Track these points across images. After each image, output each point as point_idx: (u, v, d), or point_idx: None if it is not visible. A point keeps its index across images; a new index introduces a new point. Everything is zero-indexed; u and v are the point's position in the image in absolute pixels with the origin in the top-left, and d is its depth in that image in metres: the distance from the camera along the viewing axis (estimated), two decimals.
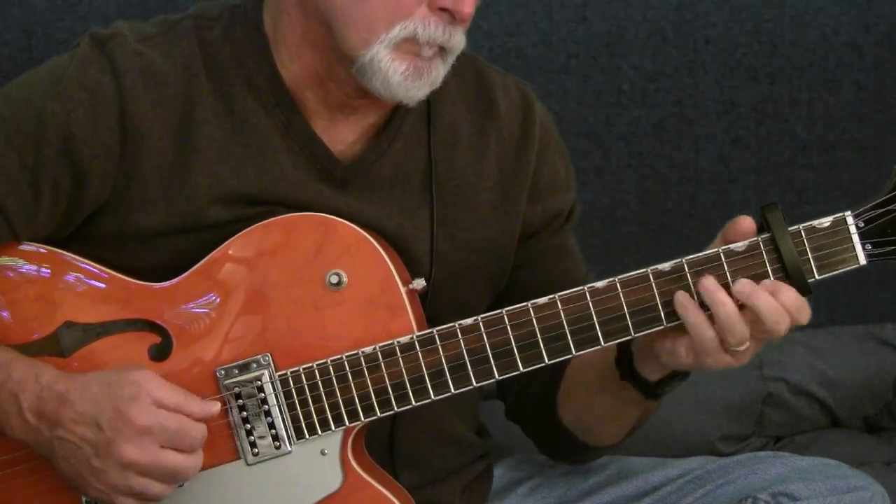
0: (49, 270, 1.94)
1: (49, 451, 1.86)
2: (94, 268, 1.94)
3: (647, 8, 3.17)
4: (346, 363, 1.90)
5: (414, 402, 1.90)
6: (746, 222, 1.85)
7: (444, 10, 1.87)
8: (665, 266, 1.86)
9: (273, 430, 1.92)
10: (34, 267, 1.94)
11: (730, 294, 1.82)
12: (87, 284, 1.94)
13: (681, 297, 1.84)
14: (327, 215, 1.93)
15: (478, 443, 2.17)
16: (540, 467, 2.22)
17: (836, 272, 1.86)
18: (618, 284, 1.87)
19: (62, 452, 1.85)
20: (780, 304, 1.82)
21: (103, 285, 1.93)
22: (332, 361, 1.90)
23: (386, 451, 2.03)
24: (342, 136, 1.99)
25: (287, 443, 1.92)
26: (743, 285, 1.82)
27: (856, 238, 1.85)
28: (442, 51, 1.91)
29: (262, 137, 1.95)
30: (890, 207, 1.83)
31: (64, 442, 1.84)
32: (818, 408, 3.08)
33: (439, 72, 1.92)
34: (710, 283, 1.83)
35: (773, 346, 3.05)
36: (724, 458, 2.11)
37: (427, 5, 1.87)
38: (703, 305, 1.84)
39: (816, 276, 1.86)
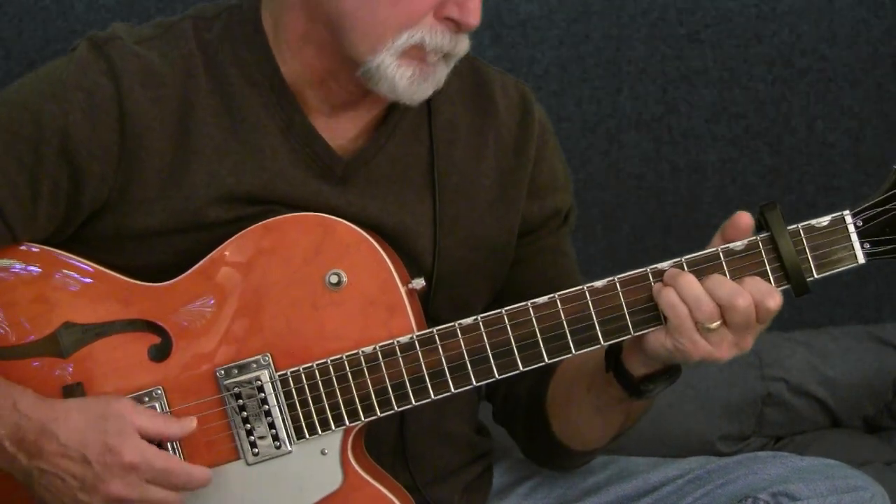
0: (47, 271, 1.94)
1: (26, 479, 1.86)
2: (93, 268, 1.94)
3: (648, 6, 3.18)
4: (346, 363, 1.90)
5: (414, 402, 1.90)
6: (745, 218, 1.86)
7: (450, 19, 1.88)
8: (664, 265, 1.86)
9: (273, 430, 1.91)
10: (32, 268, 1.94)
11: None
12: (85, 285, 1.93)
13: (656, 286, 1.85)
14: (327, 215, 1.93)
15: (478, 442, 2.17)
16: (540, 467, 2.22)
17: (835, 271, 1.86)
18: (617, 284, 1.87)
19: (43, 482, 1.85)
20: (738, 283, 1.83)
21: (102, 285, 1.93)
22: (332, 361, 1.90)
23: (398, 452, 2.04)
24: (343, 131, 1.99)
25: (287, 443, 1.92)
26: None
27: (854, 237, 1.84)
28: (446, 56, 1.92)
29: (261, 136, 1.95)
30: (888, 206, 1.83)
31: (45, 473, 1.84)
32: (818, 408, 3.08)
33: (443, 74, 1.94)
34: (672, 270, 1.84)
35: (772, 346, 3.09)
36: (724, 458, 2.11)
37: (433, 14, 1.88)
38: None
39: (815, 275, 1.86)
